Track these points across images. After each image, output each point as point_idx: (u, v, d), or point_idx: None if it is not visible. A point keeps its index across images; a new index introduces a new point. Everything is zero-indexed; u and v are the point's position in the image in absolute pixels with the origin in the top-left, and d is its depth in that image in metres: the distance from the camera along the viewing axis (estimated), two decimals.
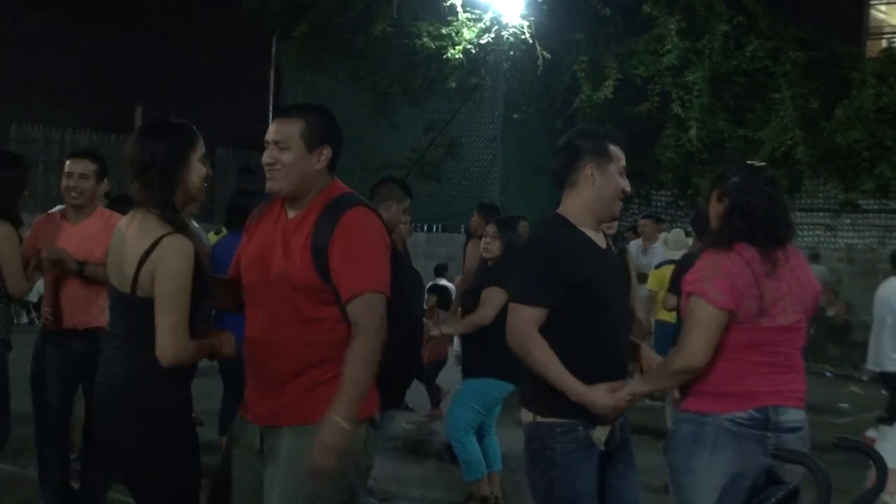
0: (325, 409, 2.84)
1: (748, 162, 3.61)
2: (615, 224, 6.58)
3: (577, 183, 3.58)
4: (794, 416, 3.41)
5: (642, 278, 8.63)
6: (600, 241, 3.64)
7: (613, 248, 3.91)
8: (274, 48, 18.37)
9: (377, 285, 2.98)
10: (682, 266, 5.95)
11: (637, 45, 14.97)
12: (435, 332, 6.37)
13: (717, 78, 14.68)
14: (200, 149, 3.27)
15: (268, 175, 3.16)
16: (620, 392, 3.39)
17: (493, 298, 5.55)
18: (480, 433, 5.90)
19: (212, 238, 9.14)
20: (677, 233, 10.89)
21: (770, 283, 3.38)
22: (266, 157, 3.17)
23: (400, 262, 5.49)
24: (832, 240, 14.08)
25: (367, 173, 18.39)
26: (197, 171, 3.21)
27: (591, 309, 3.45)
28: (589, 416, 3.41)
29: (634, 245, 10.66)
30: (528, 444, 3.61)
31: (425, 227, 15.94)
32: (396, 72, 15.84)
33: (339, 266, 2.97)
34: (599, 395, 3.35)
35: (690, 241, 10.41)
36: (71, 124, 17.34)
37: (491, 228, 5.96)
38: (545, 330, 3.43)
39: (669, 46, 14.61)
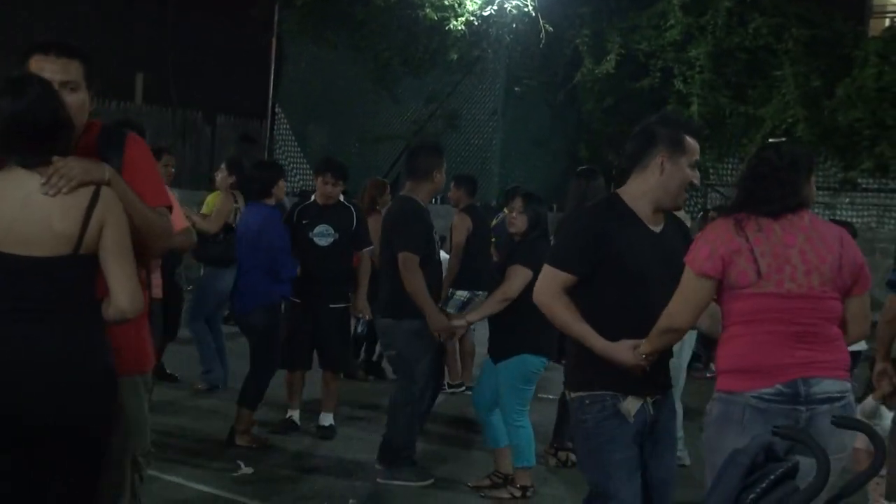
0: None
1: (774, 140, 3.68)
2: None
3: (647, 168, 3.62)
4: (828, 386, 3.36)
5: None
6: (656, 224, 3.66)
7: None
8: (276, 17, 18.25)
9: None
10: None
11: (640, 19, 14.95)
12: (461, 322, 6.32)
13: (719, 54, 14.66)
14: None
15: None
16: (638, 350, 3.46)
17: (518, 274, 5.48)
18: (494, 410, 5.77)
19: (210, 201, 9.08)
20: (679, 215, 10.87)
21: (768, 248, 3.36)
22: (66, 96, 2.90)
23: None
24: (831, 218, 14.03)
25: (366, 145, 18.45)
26: None
27: (625, 284, 3.52)
28: (616, 388, 3.52)
29: None
30: (570, 420, 3.82)
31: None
32: (398, 43, 15.81)
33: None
34: (620, 350, 3.45)
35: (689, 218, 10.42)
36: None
37: (518, 203, 5.85)
38: (579, 298, 3.56)
39: (672, 22, 14.59)
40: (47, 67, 2.91)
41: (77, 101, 2.91)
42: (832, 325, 3.44)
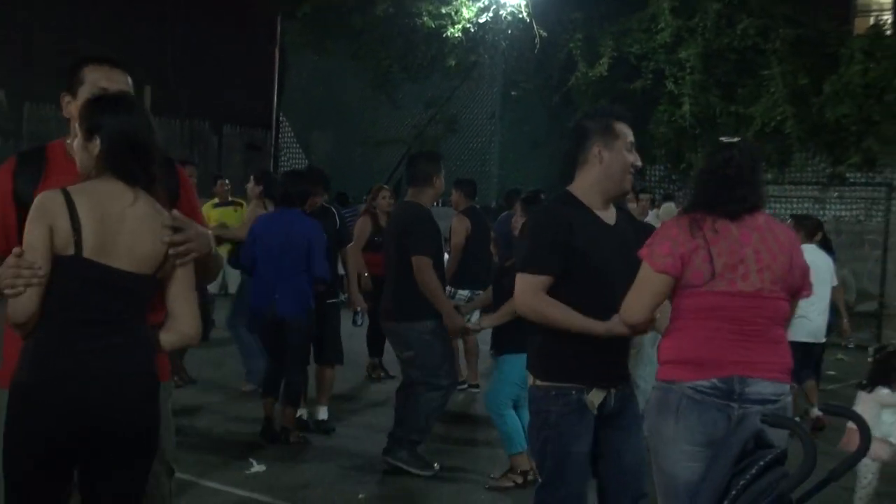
0: None
1: (722, 139, 3.61)
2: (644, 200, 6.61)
3: (587, 162, 3.64)
4: (763, 388, 3.29)
5: None
6: (609, 217, 3.68)
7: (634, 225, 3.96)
8: (279, 28, 18.29)
9: None
10: None
11: (631, 23, 14.93)
12: (476, 328, 6.38)
13: (709, 55, 14.64)
14: None
15: None
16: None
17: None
18: (517, 406, 5.73)
19: (230, 214, 9.16)
20: (668, 206, 10.90)
21: (724, 247, 3.33)
22: None
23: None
24: (820, 212, 14.01)
25: (369, 149, 18.46)
26: None
27: (591, 278, 3.51)
28: (582, 381, 3.51)
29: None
30: (529, 406, 3.73)
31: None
32: (397, 50, 15.81)
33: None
34: (616, 324, 3.46)
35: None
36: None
37: (518, 207, 5.89)
38: (550, 295, 3.53)
39: (663, 24, 14.58)
40: (108, 77, 2.97)
41: None
42: (777, 326, 3.40)
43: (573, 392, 3.50)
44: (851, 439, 5.12)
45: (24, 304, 2.57)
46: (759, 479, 2.62)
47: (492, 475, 5.87)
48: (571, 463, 3.54)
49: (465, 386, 8.59)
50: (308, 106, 18.83)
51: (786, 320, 3.46)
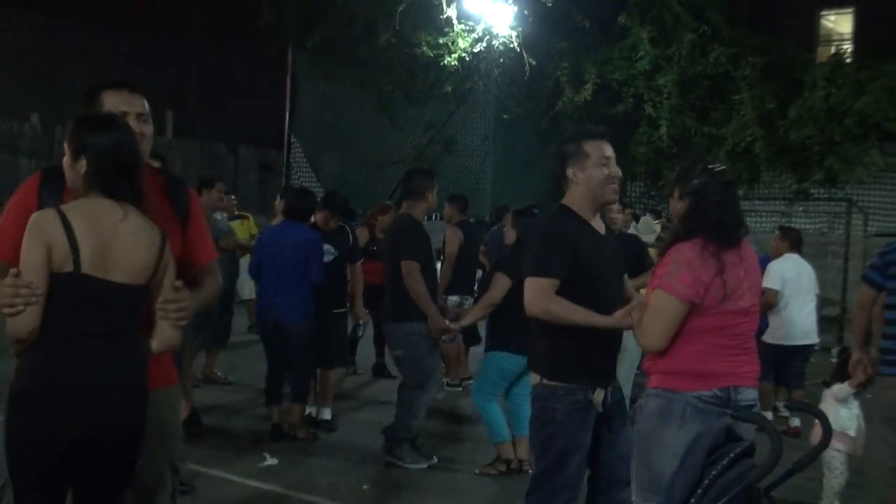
0: None
1: (708, 164, 3.55)
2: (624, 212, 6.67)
3: (569, 182, 3.71)
4: (749, 394, 3.35)
5: None
6: (599, 226, 3.75)
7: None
8: (290, 58, 18.29)
9: None
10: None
11: (613, 52, 14.97)
12: (456, 326, 6.39)
13: (684, 81, 14.69)
14: None
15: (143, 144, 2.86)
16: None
17: (499, 282, 5.57)
18: (513, 400, 5.75)
19: (237, 227, 9.17)
20: (646, 219, 10.91)
21: (731, 271, 3.32)
22: (138, 129, 2.84)
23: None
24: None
25: (373, 169, 18.44)
26: None
27: (587, 282, 3.56)
28: (588, 382, 3.56)
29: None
30: (533, 402, 3.73)
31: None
32: (399, 78, 15.83)
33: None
34: (619, 319, 3.48)
35: (658, 225, 10.45)
36: None
37: (509, 218, 5.94)
38: None
39: (642, 53, 14.63)
40: (127, 101, 2.89)
41: (150, 132, 2.92)
42: (753, 338, 3.44)
43: (579, 392, 3.55)
44: (816, 434, 5.12)
45: (25, 320, 2.51)
46: (729, 469, 2.63)
47: (482, 465, 5.86)
48: (574, 456, 3.58)
49: (459, 385, 8.61)
50: (317, 129, 18.82)
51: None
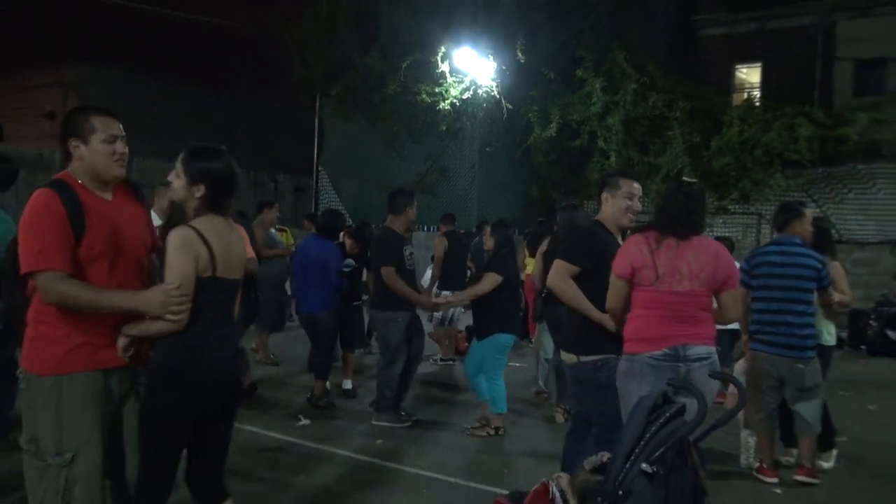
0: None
1: (682, 179, 3.71)
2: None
3: (603, 203, 3.95)
4: (698, 350, 3.42)
5: None
6: (619, 239, 3.92)
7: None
8: (318, 103, 18.34)
9: None
10: None
11: (573, 98, 14.99)
12: (442, 301, 6.44)
13: (628, 121, 14.71)
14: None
15: (119, 163, 2.66)
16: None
17: (489, 278, 5.56)
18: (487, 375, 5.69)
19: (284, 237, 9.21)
20: None
21: (665, 259, 3.43)
22: (121, 148, 2.67)
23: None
24: (710, 234, 14.10)
25: (383, 191, 18.35)
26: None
27: (600, 279, 3.68)
28: (616, 352, 3.64)
29: None
30: (576, 378, 3.85)
31: (425, 228, 15.92)
32: (403, 119, 15.85)
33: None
34: (608, 320, 3.67)
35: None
36: (173, 158, 17.36)
37: (487, 230, 5.95)
38: (583, 289, 3.75)
39: (595, 99, 14.65)
40: (115, 126, 2.68)
41: (126, 151, 2.72)
42: (703, 311, 3.49)
43: (612, 360, 3.67)
44: (731, 398, 5.15)
45: (183, 318, 2.57)
46: (665, 426, 2.63)
47: (468, 426, 5.85)
48: (621, 408, 3.57)
49: (450, 361, 8.62)
50: (339, 159, 18.81)
51: (708, 308, 3.52)
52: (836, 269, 4.95)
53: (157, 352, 2.64)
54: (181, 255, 2.56)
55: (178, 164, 2.70)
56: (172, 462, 2.68)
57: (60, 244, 2.47)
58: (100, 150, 2.62)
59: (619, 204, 3.87)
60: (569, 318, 3.87)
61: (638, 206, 3.91)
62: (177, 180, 2.70)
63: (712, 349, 3.49)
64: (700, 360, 3.42)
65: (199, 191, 2.66)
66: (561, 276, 3.79)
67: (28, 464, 2.53)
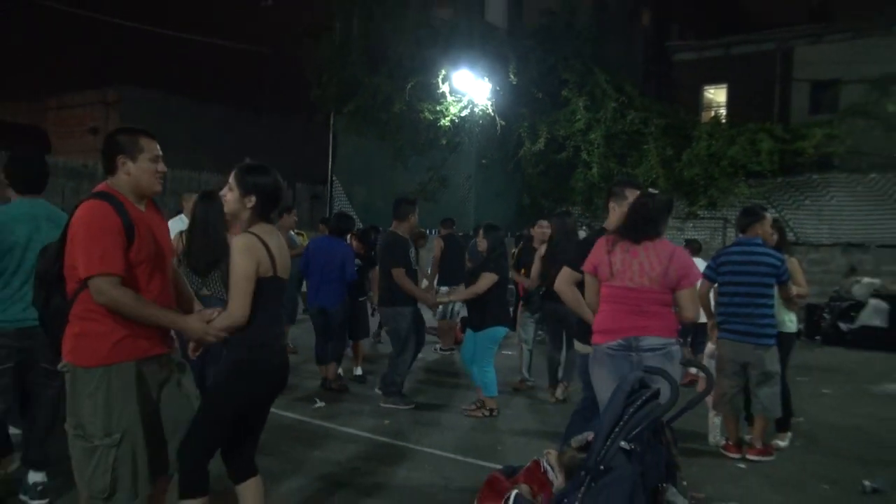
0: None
1: (650, 189, 3.74)
2: None
3: (609, 211, 3.90)
4: (651, 341, 3.39)
5: None
6: None
7: None
8: (332, 120, 18.35)
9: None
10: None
11: (559, 116, 15.00)
12: (445, 298, 6.41)
13: (609, 136, 14.72)
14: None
15: (160, 180, 2.69)
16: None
17: (486, 278, 5.55)
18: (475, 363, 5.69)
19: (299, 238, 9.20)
20: (581, 233, 10.92)
21: (619, 259, 3.46)
22: (162, 167, 2.70)
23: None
24: (681, 236, 14.10)
25: (390, 198, 18.37)
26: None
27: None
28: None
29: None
30: (587, 361, 3.75)
31: (428, 231, 15.98)
32: (408, 134, 15.85)
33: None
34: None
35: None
36: (207, 169, 17.38)
37: (480, 232, 5.94)
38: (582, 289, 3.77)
39: (579, 116, 14.66)
40: (156, 147, 2.70)
41: (165, 169, 2.75)
42: (657, 305, 3.45)
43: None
44: (701, 382, 5.15)
45: (246, 315, 2.60)
46: (642, 408, 2.64)
47: (465, 407, 5.86)
48: (599, 390, 3.58)
49: (450, 350, 8.62)
50: (351, 170, 18.80)
51: (662, 303, 3.46)
52: (793, 264, 4.98)
53: (230, 349, 2.67)
54: (245, 258, 2.59)
55: (232, 180, 2.73)
56: (223, 440, 2.73)
57: (118, 251, 2.50)
58: (146, 168, 2.65)
59: (625, 213, 3.75)
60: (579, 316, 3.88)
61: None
62: (230, 193, 2.72)
63: (667, 340, 3.44)
64: (652, 350, 3.38)
65: (251, 202, 2.69)
66: (565, 282, 3.80)
67: (75, 446, 2.55)
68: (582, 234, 10.66)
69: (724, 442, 4.89)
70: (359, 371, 6.89)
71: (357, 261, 6.71)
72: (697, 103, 18.40)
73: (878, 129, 14.56)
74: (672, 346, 3.45)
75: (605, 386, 3.39)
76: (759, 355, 4.60)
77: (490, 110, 15.00)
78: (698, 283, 3.82)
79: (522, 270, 6.60)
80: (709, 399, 4.87)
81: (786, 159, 14.04)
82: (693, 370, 6.48)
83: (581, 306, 3.74)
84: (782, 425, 5.01)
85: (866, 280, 11.36)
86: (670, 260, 3.47)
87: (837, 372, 8.43)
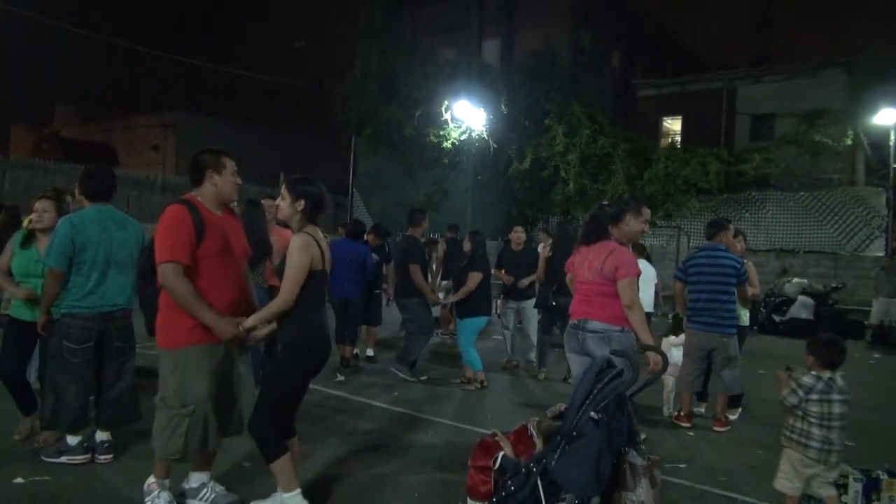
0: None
1: (619, 196, 3.76)
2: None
3: (622, 224, 3.67)
4: (592, 325, 3.44)
5: None
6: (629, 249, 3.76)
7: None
8: (353, 140, 18.35)
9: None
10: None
11: (542, 140, 15.03)
12: (445, 301, 6.35)
13: (583, 158, 14.74)
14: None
15: (237, 190, 2.77)
16: None
17: (474, 277, 5.56)
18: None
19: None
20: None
21: (577, 259, 3.59)
22: (238, 180, 2.77)
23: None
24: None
25: (402, 208, 18.38)
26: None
27: None
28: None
29: (540, 245, 10.59)
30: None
31: (434, 236, 15.97)
32: (416, 154, 15.89)
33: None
34: None
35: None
36: (250, 181, 17.37)
37: (467, 237, 5.93)
38: None
39: (559, 141, 14.69)
40: (233, 164, 2.77)
41: (240, 182, 2.80)
42: (601, 297, 3.45)
43: (629, 330, 3.47)
44: (656, 364, 5.13)
45: (293, 301, 2.60)
46: (608, 384, 2.63)
47: (452, 380, 5.85)
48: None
49: (449, 335, 8.59)
50: (368, 183, 18.80)
51: (606, 293, 3.42)
52: (750, 268, 5.01)
53: (285, 331, 2.68)
54: (303, 253, 2.62)
55: (284, 189, 2.77)
56: (290, 410, 2.79)
57: (186, 244, 2.56)
58: (229, 180, 2.74)
59: (639, 225, 3.73)
60: None
61: (647, 229, 3.82)
62: (283, 201, 2.76)
63: (608, 326, 3.41)
64: (594, 332, 3.41)
65: (301, 206, 2.71)
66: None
67: (160, 413, 2.68)
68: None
69: (676, 413, 4.89)
70: (370, 352, 6.86)
71: (374, 255, 6.67)
72: (657, 131, 18.41)
73: (806, 154, 14.62)
74: (613, 332, 3.42)
75: (569, 354, 3.59)
76: (724, 342, 4.62)
77: (485, 135, 15.02)
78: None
79: (503, 270, 6.57)
80: (665, 377, 4.87)
81: (730, 179, 14.09)
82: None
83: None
84: (734, 402, 5.01)
85: (796, 280, 11.40)
86: (608, 256, 3.48)
87: (771, 356, 8.43)
